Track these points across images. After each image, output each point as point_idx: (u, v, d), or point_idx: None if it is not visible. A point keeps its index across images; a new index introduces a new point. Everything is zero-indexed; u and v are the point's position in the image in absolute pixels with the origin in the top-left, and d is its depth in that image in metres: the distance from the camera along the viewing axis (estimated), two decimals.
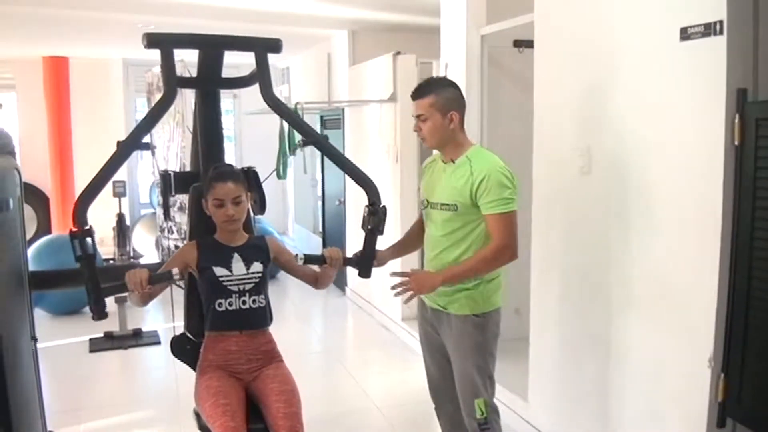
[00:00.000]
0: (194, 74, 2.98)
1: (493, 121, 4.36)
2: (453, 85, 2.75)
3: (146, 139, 2.66)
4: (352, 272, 6.61)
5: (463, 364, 2.72)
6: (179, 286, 2.91)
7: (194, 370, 2.78)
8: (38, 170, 8.61)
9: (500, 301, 2.78)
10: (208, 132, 2.98)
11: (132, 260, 7.08)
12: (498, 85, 4.43)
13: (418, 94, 2.71)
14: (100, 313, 2.45)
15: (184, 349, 2.85)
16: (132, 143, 2.53)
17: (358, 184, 2.83)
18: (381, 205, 2.75)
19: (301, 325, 6.50)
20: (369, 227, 2.76)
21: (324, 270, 2.75)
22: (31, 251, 6.10)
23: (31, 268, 5.72)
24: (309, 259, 2.74)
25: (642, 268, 2.80)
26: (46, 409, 2.99)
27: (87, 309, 2.49)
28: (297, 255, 2.73)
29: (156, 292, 2.58)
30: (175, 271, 2.52)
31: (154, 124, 2.65)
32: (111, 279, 2.51)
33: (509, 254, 2.63)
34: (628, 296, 2.89)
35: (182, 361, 2.85)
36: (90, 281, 2.41)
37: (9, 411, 2.31)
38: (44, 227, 8.52)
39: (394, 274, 2.77)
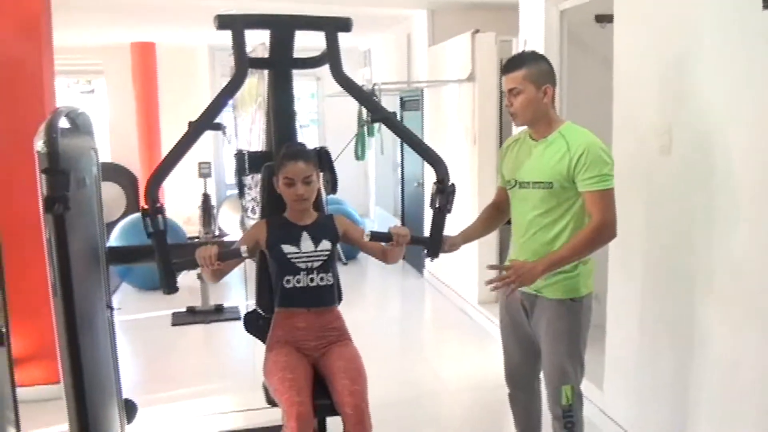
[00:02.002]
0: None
1: (573, 101, 4.25)
2: (546, 59, 2.67)
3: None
4: None
5: (555, 350, 2.66)
6: (254, 261, 2.99)
7: (265, 344, 2.85)
8: (127, 152, 9.06)
9: (593, 285, 2.71)
10: (280, 112, 3.03)
11: (216, 238, 7.29)
12: (578, 63, 4.31)
13: (510, 66, 2.61)
14: (169, 287, 2.53)
15: (256, 324, 2.93)
16: (203, 123, 2.59)
17: (427, 162, 2.81)
18: (450, 183, 2.70)
19: (378, 306, 6.56)
20: (437, 206, 2.71)
21: (390, 247, 2.73)
22: (118, 228, 6.40)
23: (119, 243, 6.04)
24: (376, 236, 2.71)
25: (725, 255, 2.67)
26: (127, 378, 3.14)
27: None
28: (364, 232, 2.73)
29: (227, 269, 2.65)
30: (244, 248, 2.57)
31: (224, 104, 2.69)
32: (183, 255, 2.58)
33: (610, 232, 2.55)
34: (710, 284, 2.76)
35: (253, 335, 2.93)
36: (160, 257, 2.49)
37: (82, 377, 2.43)
38: (133, 206, 8.90)
39: (492, 267, 2.73)
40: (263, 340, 2.87)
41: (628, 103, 3.31)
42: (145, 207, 2.46)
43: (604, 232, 2.54)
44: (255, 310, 2.95)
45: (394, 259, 2.82)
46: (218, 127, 2.66)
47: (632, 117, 3.27)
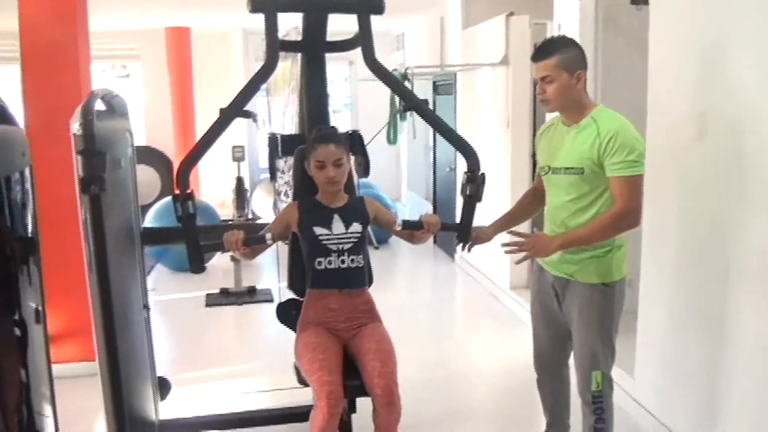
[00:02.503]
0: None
1: (607, 86, 4.19)
2: (576, 44, 2.64)
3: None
4: None
5: (586, 335, 2.66)
6: (287, 243, 3.01)
7: (292, 329, 2.90)
8: (162, 136, 9.16)
9: (626, 270, 2.69)
10: (312, 95, 3.05)
11: (248, 222, 7.36)
12: (613, 46, 4.24)
13: (541, 54, 2.58)
14: (196, 268, 2.65)
15: (289, 315, 2.96)
16: (234, 110, 2.62)
17: (458, 150, 2.82)
18: (480, 173, 2.72)
19: (409, 290, 6.58)
20: (467, 194, 2.74)
21: (421, 234, 2.77)
22: (153, 210, 6.50)
23: (154, 225, 6.13)
24: (407, 224, 2.76)
25: (759, 242, 2.62)
26: (161, 356, 3.19)
27: (205, 266, 2.71)
28: (396, 222, 2.76)
29: (258, 251, 2.70)
30: (269, 236, 2.63)
31: (255, 91, 2.70)
32: (213, 237, 2.68)
33: (631, 220, 2.53)
34: (744, 272, 2.72)
35: (287, 326, 2.97)
36: (189, 239, 2.58)
37: (116, 355, 2.48)
38: (167, 189, 9.01)
39: (512, 233, 2.74)
40: (293, 329, 2.90)
41: (663, 88, 3.25)
42: (176, 192, 2.53)
43: (624, 218, 2.52)
44: (289, 300, 2.99)
45: (421, 242, 2.87)
46: (248, 114, 2.69)
47: (667, 102, 3.22)
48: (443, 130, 2.88)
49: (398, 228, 2.74)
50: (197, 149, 2.56)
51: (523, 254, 2.63)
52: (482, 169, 2.74)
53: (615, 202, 2.52)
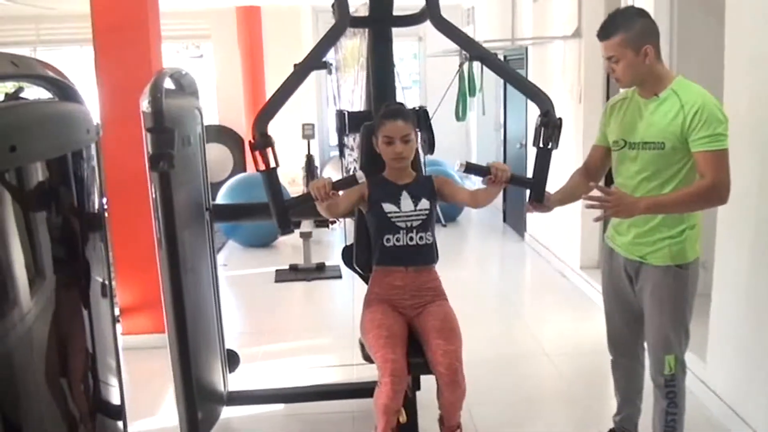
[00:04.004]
0: None
1: (684, 55, 4.00)
2: (641, 14, 2.50)
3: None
4: (531, 217, 6.51)
5: (659, 318, 2.58)
6: (353, 219, 3.01)
7: (363, 279, 2.93)
8: (234, 114, 9.29)
9: (700, 251, 2.57)
10: (379, 71, 3.02)
11: None
12: (691, 14, 4.04)
13: (604, 33, 2.48)
14: (283, 226, 2.51)
15: (351, 256, 2.99)
16: (309, 63, 2.60)
17: (528, 96, 2.73)
18: (557, 117, 2.55)
19: (477, 269, 6.52)
20: (541, 142, 2.57)
21: (486, 184, 2.61)
22: (225, 187, 6.63)
23: (226, 201, 6.26)
24: (471, 167, 2.58)
25: None
26: (230, 330, 3.24)
27: (275, 242, 2.66)
28: (458, 162, 2.58)
29: (341, 207, 2.64)
30: (360, 174, 2.53)
31: (329, 47, 2.70)
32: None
33: (720, 195, 2.42)
34: None
35: (349, 267, 3.00)
36: (272, 194, 2.49)
37: (185, 327, 2.53)
38: (239, 166, 9.16)
39: (598, 187, 2.54)
40: (361, 275, 2.92)
41: (741, 57, 3.08)
42: (252, 141, 2.46)
43: (714, 193, 2.41)
44: (352, 244, 3.00)
45: (483, 201, 2.71)
46: (324, 65, 2.66)
47: (746, 72, 3.04)
48: (512, 78, 2.83)
49: (460, 169, 2.55)
50: (273, 102, 2.52)
51: (602, 212, 2.48)
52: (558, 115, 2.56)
53: (699, 178, 2.41)
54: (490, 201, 2.71)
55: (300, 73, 2.57)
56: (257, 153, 2.44)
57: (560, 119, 2.56)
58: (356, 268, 2.98)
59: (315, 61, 2.61)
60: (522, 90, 2.74)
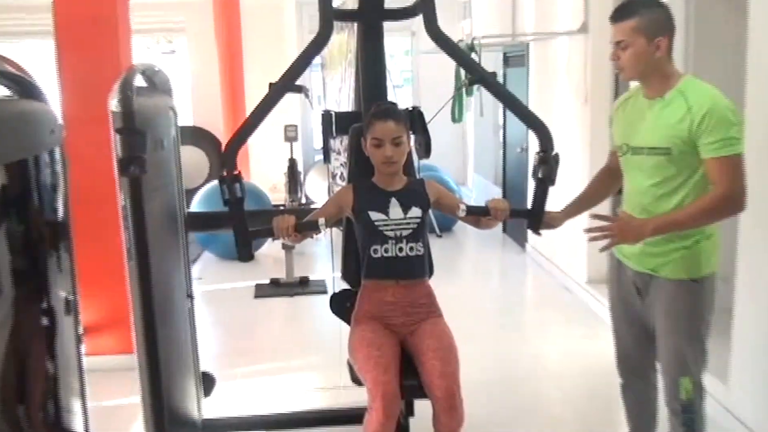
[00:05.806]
0: None
1: (701, 51, 4.02)
2: (661, 5, 2.52)
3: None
4: None
5: (672, 337, 2.57)
6: (341, 229, 3.00)
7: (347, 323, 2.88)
8: (210, 115, 9.24)
9: (717, 264, 2.57)
10: (369, 68, 3.01)
11: (302, 207, 7.40)
12: (710, 6, 4.07)
13: (619, 15, 2.49)
14: (245, 255, 2.65)
15: (343, 306, 2.96)
16: (284, 85, 2.62)
17: (529, 128, 2.79)
18: (553, 153, 2.66)
19: (476, 281, 6.53)
20: (539, 176, 2.70)
21: (488, 221, 2.72)
22: (201, 194, 6.60)
23: (202, 209, 6.23)
24: (472, 210, 2.74)
25: None
26: (206, 350, 3.23)
27: (254, 254, 2.72)
28: (460, 207, 2.73)
29: (307, 235, 2.70)
30: (322, 221, 2.62)
31: (307, 64, 2.71)
32: (262, 223, 2.66)
33: (735, 205, 2.42)
34: None
35: (341, 318, 2.97)
36: (237, 225, 2.59)
37: (156, 347, 2.51)
38: (216, 171, 9.11)
39: (596, 217, 2.60)
40: (348, 322, 2.89)
41: (765, 52, 3.10)
42: (223, 174, 2.55)
43: (728, 203, 2.41)
44: (343, 290, 2.98)
45: (489, 228, 2.84)
46: (300, 89, 2.69)
47: None
48: (513, 105, 2.83)
49: (462, 214, 2.72)
50: (245, 127, 2.58)
51: (608, 241, 2.52)
52: (556, 149, 2.67)
53: (712, 186, 2.41)
54: (493, 227, 2.84)
55: (274, 96, 2.61)
56: (224, 186, 2.55)
57: (558, 156, 2.67)
58: (342, 316, 2.97)
59: (292, 80, 2.64)
60: (523, 119, 2.79)
